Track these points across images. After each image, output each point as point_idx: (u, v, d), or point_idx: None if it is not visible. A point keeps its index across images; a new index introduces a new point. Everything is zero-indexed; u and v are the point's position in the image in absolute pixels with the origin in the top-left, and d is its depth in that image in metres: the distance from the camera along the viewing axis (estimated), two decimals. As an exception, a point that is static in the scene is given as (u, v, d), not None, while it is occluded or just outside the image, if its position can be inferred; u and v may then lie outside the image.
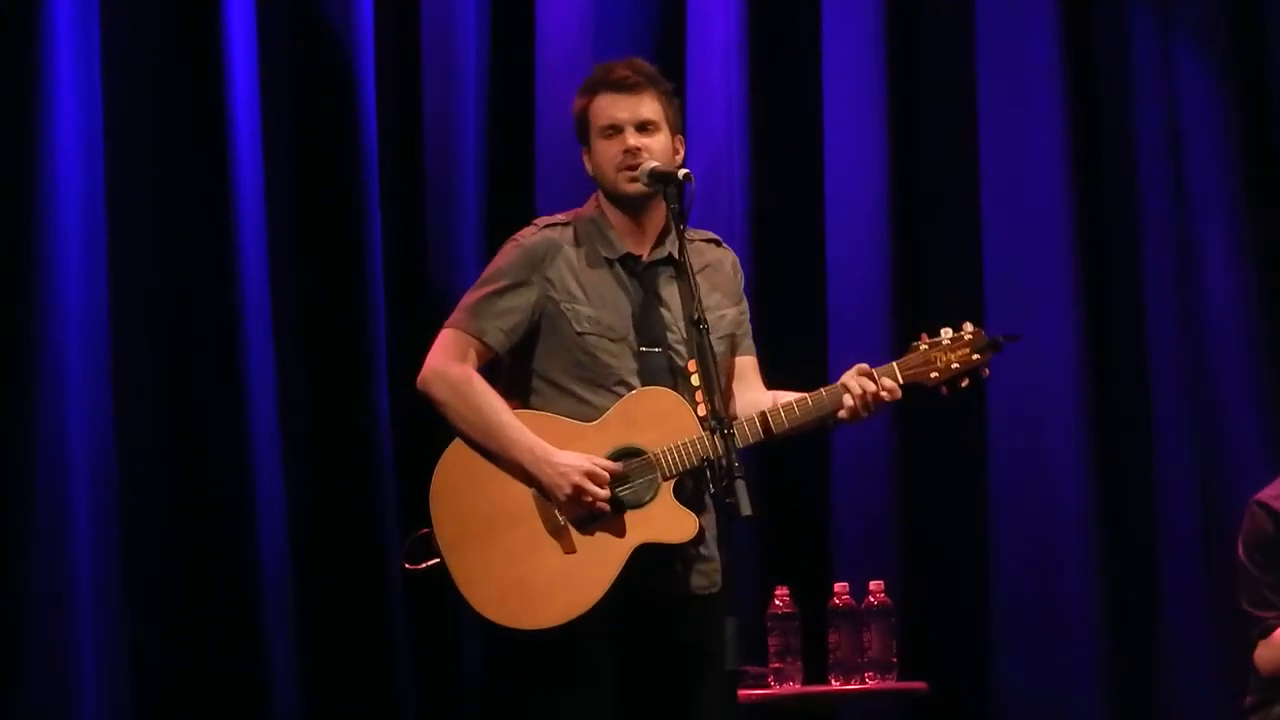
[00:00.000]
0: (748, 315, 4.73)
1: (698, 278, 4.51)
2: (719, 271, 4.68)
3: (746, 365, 4.72)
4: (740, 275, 4.74)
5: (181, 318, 5.87)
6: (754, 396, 4.65)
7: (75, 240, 5.66)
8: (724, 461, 4.27)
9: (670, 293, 4.58)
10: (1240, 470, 6.10)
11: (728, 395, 4.63)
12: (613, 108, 4.58)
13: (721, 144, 6.35)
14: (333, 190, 6.02)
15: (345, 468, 5.95)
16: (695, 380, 4.45)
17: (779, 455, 5.74)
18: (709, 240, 4.72)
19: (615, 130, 4.57)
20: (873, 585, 5.86)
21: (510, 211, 6.10)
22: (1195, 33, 6.36)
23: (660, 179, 4.52)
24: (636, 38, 6.28)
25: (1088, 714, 6.20)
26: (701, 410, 4.41)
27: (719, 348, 4.56)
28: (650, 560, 4.47)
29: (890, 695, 5.89)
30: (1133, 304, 6.39)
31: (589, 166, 4.64)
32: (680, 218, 4.50)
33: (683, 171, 4.52)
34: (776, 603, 5.80)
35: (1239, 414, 6.29)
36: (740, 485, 4.26)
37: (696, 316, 4.37)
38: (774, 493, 5.99)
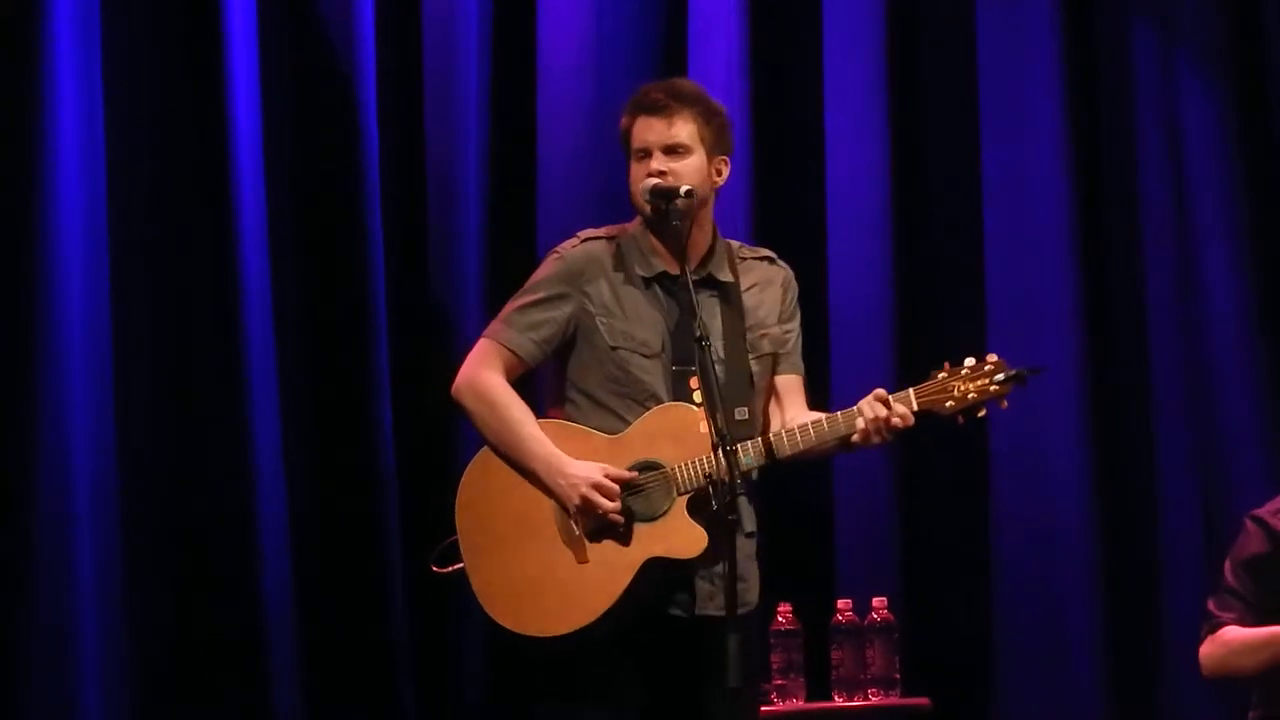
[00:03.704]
0: (796, 334, 4.74)
1: (743, 296, 4.59)
2: (766, 290, 4.70)
3: (789, 385, 4.73)
4: (792, 293, 4.76)
5: (183, 328, 5.87)
6: (794, 416, 4.66)
7: (77, 248, 5.66)
8: (726, 478, 4.27)
9: (710, 312, 4.60)
10: (1242, 485, 6.10)
11: (767, 415, 4.66)
12: (645, 130, 4.62)
13: (723, 160, 6.34)
14: (334, 202, 6.02)
15: (348, 476, 5.95)
16: (698, 398, 4.47)
17: (781, 472, 5.74)
18: (762, 258, 4.76)
19: (645, 153, 4.60)
20: (875, 601, 5.88)
21: (511, 225, 6.13)
22: (1197, 45, 6.36)
23: (661, 196, 4.56)
24: (638, 53, 6.29)
25: (1090, 726, 6.23)
26: (703, 427, 4.42)
27: (756, 368, 4.62)
28: (676, 578, 4.50)
29: (893, 711, 5.88)
30: (1134, 316, 6.38)
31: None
32: (681, 234, 4.52)
33: (684, 188, 4.55)
34: (779, 619, 5.81)
35: (1241, 428, 6.29)
36: (743, 502, 4.28)
37: (699, 334, 4.38)
38: (776, 510, 5.96)
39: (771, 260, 4.76)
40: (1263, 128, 6.34)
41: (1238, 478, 6.22)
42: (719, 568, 4.50)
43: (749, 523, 4.59)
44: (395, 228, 6.08)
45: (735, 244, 4.75)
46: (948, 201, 6.46)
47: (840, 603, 5.89)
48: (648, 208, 4.57)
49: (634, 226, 4.68)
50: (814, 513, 6.27)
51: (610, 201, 5.73)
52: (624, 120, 4.67)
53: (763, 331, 4.66)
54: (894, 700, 5.83)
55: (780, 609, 5.81)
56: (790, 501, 6.16)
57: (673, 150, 4.59)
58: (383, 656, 5.95)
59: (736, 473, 4.29)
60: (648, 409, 4.55)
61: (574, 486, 4.48)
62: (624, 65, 6.22)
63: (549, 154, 6.21)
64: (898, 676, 5.85)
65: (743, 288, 4.64)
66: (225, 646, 5.81)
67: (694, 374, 4.54)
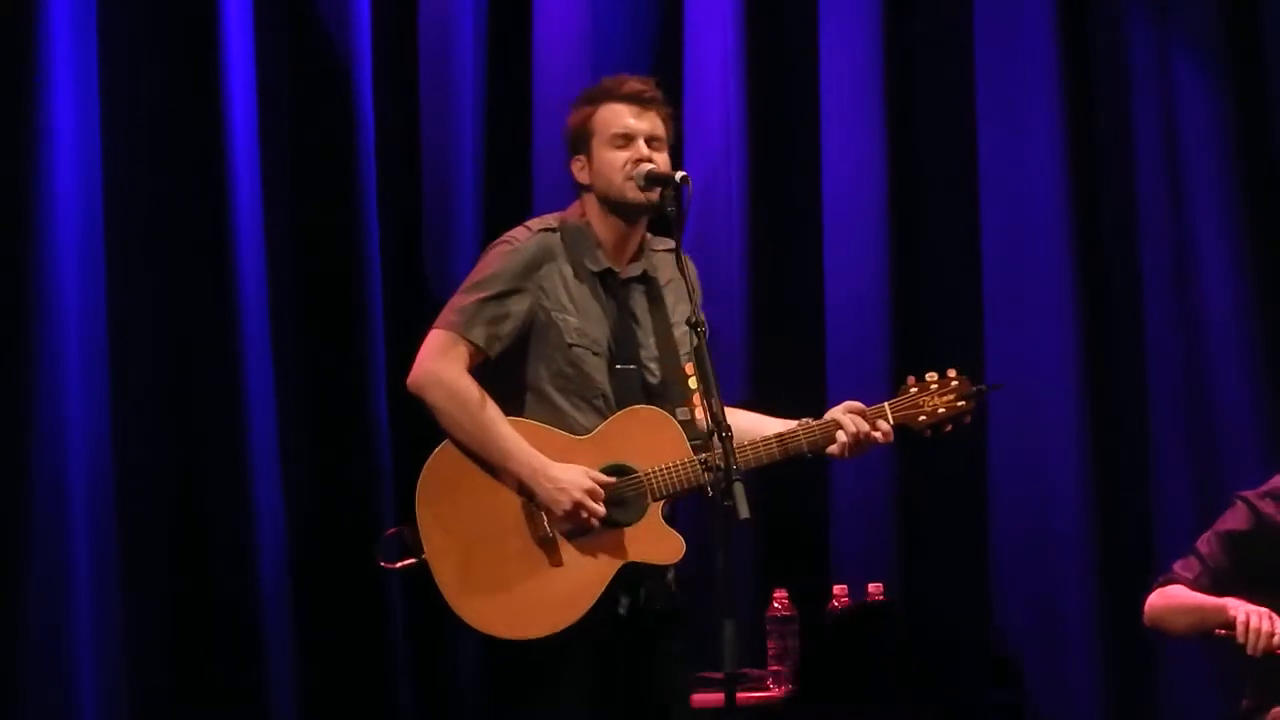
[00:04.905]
0: (705, 324, 4.62)
1: (663, 289, 4.59)
2: (680, 284, 4.63)
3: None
4: (697, 283, 4.65)
5: (180, 327, 5.89)
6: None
7: (73, 247, 5.68)
8: (722, 464, 4.26)
9: (642, 309, 4.60)
10: (1238, 478, 6.07)
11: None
12: (629, 118, 4.59)
13: (719, 154, 6.36)
14: (331, 201, 6.05)
15: (344, 473, 5.96)
16: (693, 384, 4.47)
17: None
18: (669, 250, 4.70)
19: (628, 139, 4.58)
20: (872, 588, 5.87)
21: (507, 225, 6.12)
22: (1193, 37, 6.35)
23: (657, 181, 4.54)
24: (634, 47, 6.32)
25: (1087, 714, 6.19)
26: (699, 413, 4.42)
27: (685, 362, 4.59)
28: (633, 576, 4.50)
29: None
30: (1131, 310, 6.38)
31: (583, 175, 4.64)
32: (678, 220, 4.52)
33: (680, 174, 4.54)
34: (775, 605, 5.80)
35: (1237, 422, 6.27)
36: (739, 488, 4.27)
37: (694, 319, 4.38)
38: (773, 495, 5.98)
39: (675, 251, 4.64)
40: (1260, 120, 6.34)
41: (1233, 471, 6.19)
42: (669, 570, 4.55)
43: (744, 508, 4.56)
44: (392, 227, 6.10)
45: (647, 235, 4.71)
46: (945, 196, 6.46)
47: (836, 588, 5.88)
48: (640, 194, 4.55)
49: (575, 217, 4.65)
50: (810, 499, 6.27)
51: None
52: (585, 109, 4.63)
53: (683, 329, 4.59)
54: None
55: (776, 595, 5.80)
56: (787, 487, 6.16)
57: (652, 142, 4.59)
58: (382, 656, 5.94)
59: (733, 460, 4.26)
60: (595, 407, 4.52)
61: (564, 491, 4.45)
62: (620, 62, 6.22)
63: (546, 153, 6.23)
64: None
65: (663, 281, 4.64)
66: (223, 647, 5.81)
67: (633, 371, 4.54)
